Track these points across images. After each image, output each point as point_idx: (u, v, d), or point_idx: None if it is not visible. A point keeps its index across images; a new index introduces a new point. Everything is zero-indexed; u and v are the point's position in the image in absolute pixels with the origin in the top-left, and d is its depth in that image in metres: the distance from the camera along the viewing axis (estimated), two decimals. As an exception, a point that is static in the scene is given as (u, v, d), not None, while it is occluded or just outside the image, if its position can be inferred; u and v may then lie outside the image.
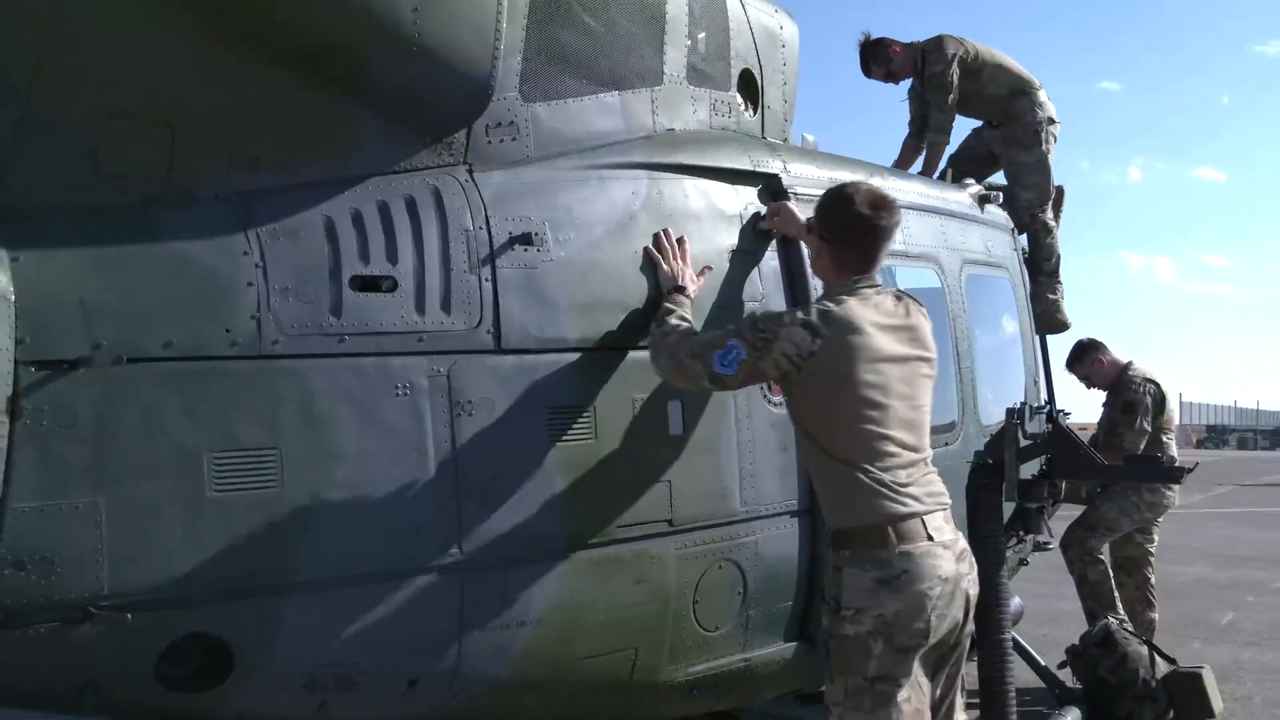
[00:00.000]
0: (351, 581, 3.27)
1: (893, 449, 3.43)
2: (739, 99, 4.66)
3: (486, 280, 3.55)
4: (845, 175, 4.86)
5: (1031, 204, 7.00)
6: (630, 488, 3.79)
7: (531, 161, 3.81)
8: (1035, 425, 5.34)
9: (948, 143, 7.19)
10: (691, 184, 4.16)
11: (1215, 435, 67.40)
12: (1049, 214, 7.08)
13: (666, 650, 3.92)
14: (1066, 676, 6.72)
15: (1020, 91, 7.19)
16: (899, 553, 3.33)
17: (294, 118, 3.31)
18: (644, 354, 3.79)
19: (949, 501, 3.54)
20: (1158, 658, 6.71)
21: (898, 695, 3.28)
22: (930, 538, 3.38)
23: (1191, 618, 9.67)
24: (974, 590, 3.53)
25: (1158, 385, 7.76)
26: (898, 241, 5.02)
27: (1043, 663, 6.74)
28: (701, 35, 4.44)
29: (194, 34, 3.07)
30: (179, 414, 3.04)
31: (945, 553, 3.40)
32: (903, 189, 5.28)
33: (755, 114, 4.76)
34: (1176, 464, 6.69)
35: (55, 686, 3.00)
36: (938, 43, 7.16)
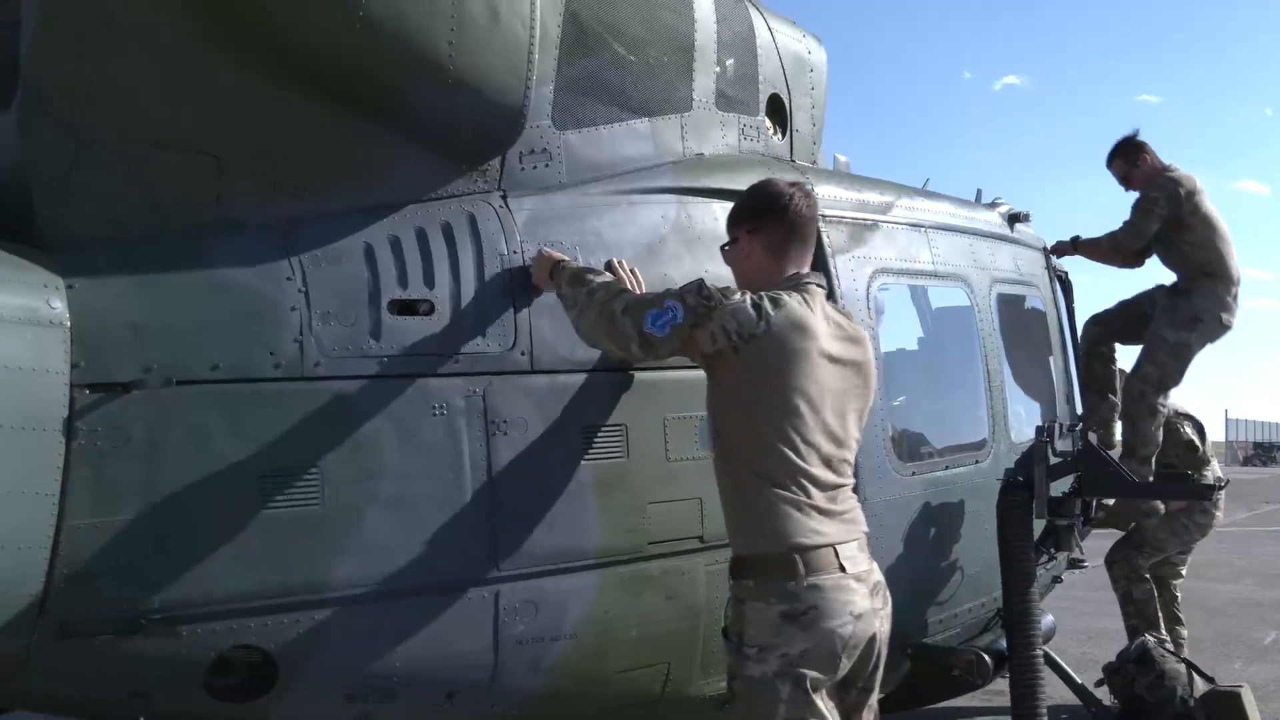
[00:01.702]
0: (391, 595, 3.36)
1: (815, 468, 3.17)
2: (767, 123, 4.75)
3: (521, 303, 3.66)
4: (872, 196, 4.97)
5: (1147, 380, 6.56)
6: (661, 505, 3.85)
7: (564, 187, 3.92)
8: (1066, 443, 5.38)
9: (1120, 261, 6.94)
10: (720, 207, 4.22)
11: (1263, 452, 66.42)
12: (1161, 400, 6.62)
13: (698, 664, 3.98)
14: (1105, 695, 6.71)
15: (1210, 274, 6.62)
16: (807, 585, 3.06)
17: (334, 147, 3.43)
18: (675, 375, 3.82)
19: (865, 530, 3.31)
20: (1196, 676, 6.68)
21: None
22: (843, 569, 3.12)
23: (1233, 636, 9.60)
24: (885, 627, 3.26)
25: (1195, 420, 7.79)
26: (927, 261, 5.11)
27: (1079, 680, 6.72)
28: (730, 61, 4.53)
29: (238, 68, 3.20)
30: (226, 434, 3.15)
31: (859, 586, 3.15)
32: (932, 209, 5.35)
33: (784, 138, 4.85)
34: (1213, 481, 6.73)
35: (108, 695, 3.13)
36: (1170, 173, 6.78)
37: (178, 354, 3.11)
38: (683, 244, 4.09)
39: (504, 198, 3.78)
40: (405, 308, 3.47)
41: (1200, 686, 6.60)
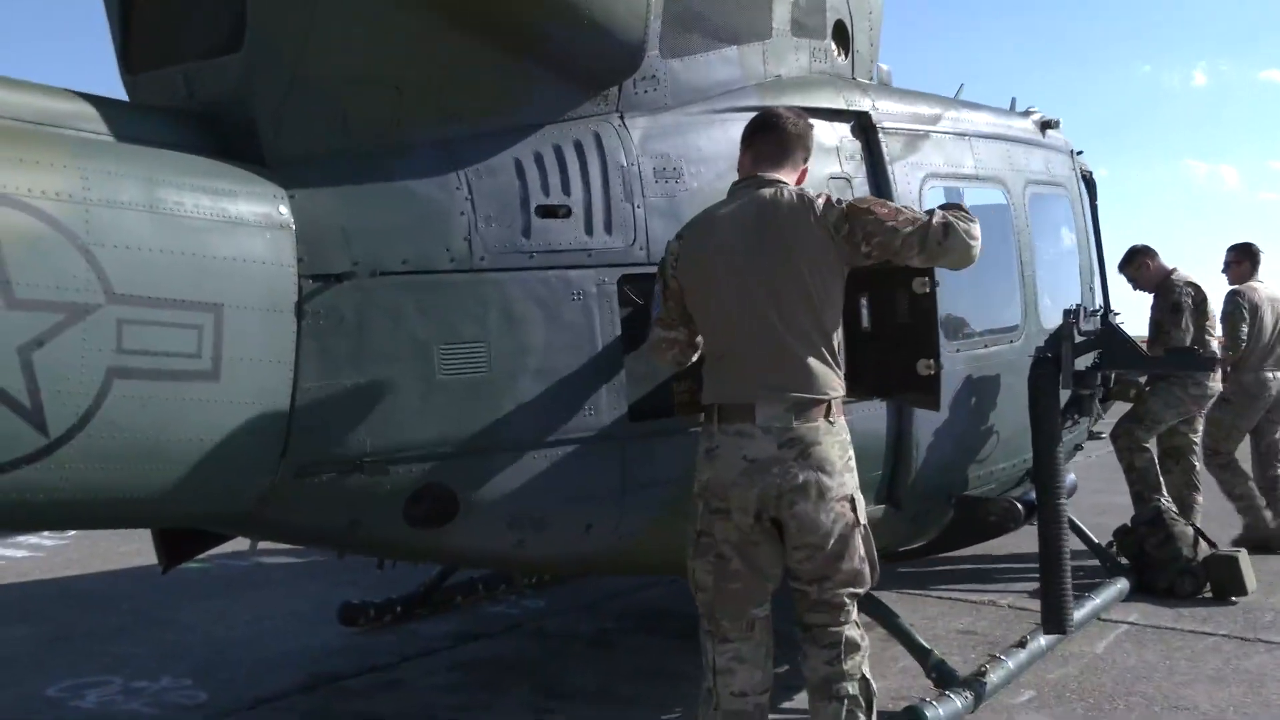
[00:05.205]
0: (543, 445, 4.11)
1: (731, 335, 3.75)
2: (833, 46, 5.38)
3: (638, 207, 4.36)
4: (924, 109, 5.62)
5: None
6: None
7: (669, 108, 4.59)
8: (1090, 325, 6.10)
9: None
10: (796, 122, 4.92)
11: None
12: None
13: None
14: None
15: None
16: (717, 429, 3.73)
17: (489, 79, 4.09)
18: None
19: (802, 394, 3.65)
20: (1202, 540, 7.49)
21: (716, 549, 3.75)
22: (753, 420, 3.66)
23: (1233, 509, 10.37)
24: (797, 478, 3.62)
25: (1198, 288, 8.40)
26: (970, 166, 5.79)
27: (1095, 539, 7.55)
28: (802, -8, 5.16)
29: (415, 15, 3.88)
30: (415, 315, 3.86)
31: (764, 436, 3.64)
32: (974, 119, 5.99)
33: (846, 58, 5.49)
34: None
35: (331, 523, 3.92)
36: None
37: (377, 250, 3.82)
38: (766, 154, 4.76)
39: (621, 118, 4.45)
40: (548, 212, 4.16)
41: (1204, 549, 7.42)
